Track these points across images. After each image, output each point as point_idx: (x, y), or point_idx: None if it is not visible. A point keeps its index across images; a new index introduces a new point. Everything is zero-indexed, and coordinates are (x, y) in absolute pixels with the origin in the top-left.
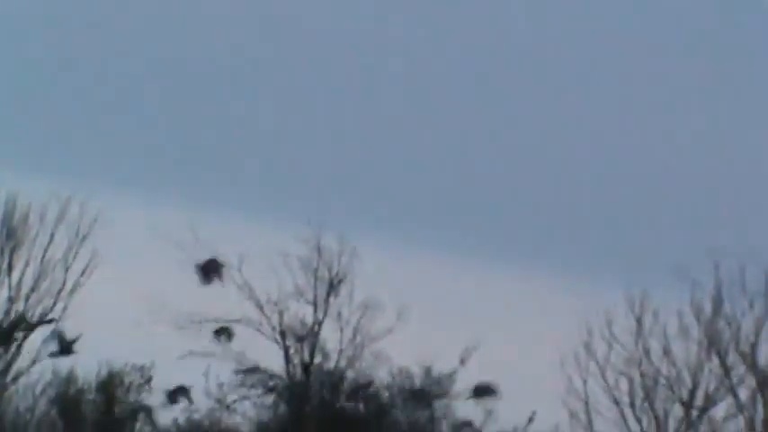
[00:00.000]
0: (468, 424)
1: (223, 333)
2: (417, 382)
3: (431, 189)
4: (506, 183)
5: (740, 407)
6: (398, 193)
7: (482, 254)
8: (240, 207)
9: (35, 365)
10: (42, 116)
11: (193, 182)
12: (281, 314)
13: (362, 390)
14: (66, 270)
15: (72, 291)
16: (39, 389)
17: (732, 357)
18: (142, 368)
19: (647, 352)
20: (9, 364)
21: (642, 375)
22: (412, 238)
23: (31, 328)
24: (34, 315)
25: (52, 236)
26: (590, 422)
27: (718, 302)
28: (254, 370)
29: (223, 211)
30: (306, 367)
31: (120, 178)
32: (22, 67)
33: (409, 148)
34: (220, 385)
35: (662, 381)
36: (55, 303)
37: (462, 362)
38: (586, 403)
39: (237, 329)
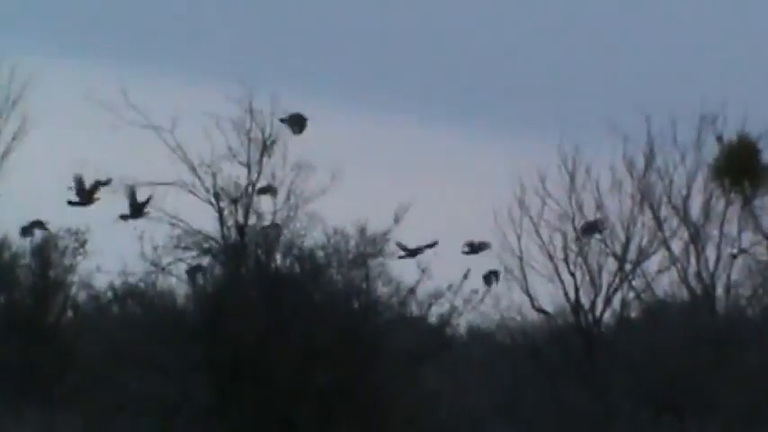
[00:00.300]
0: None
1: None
2: (352, 243)
3: (363, 48)
4: (440, 40)
5: (673, 259)
6: (331, 53)
7: (416, 112)
8: (172, 69)
9: None
10: None
11: (125, 44)
12: (214, 176)
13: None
14: None
15: (3, 155)
16: None
17: (664, 210)
18: (77, 232)
19: (580, 207)
20: None
21: (576, 230)
22: (345, 97)
23: None
24: None
25: None
26: (524, 277)
27: (650, 156)
28: (188, 232)
29: (155, 74)
30: (240, 229)
31: (52, 41)
32: None
33: (340, 6)
34: (155, 248)
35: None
36: None
37: (397, 221)
38: (521, 259)
39: (170, 192)
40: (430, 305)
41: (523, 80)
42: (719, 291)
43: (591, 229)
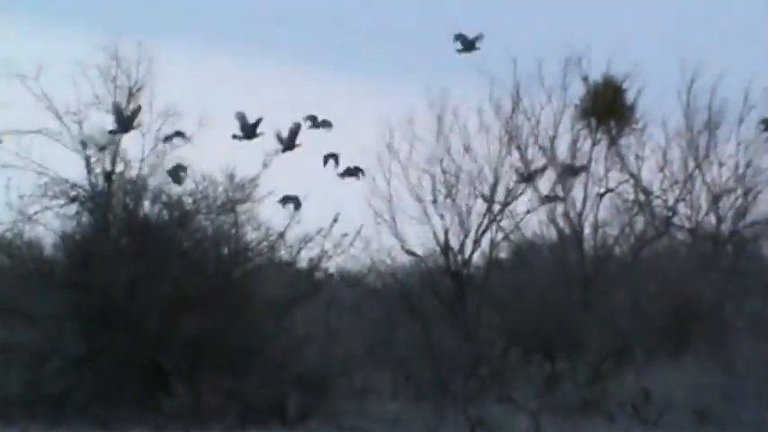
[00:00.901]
0: None
1: None
2: (221, 189)
3: None
4: None
5: (541, 200)
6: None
7: (283, 58)
8: (36, 17)
9: None
10: None
11: None
12: (80, 124)
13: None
14: None
15: None
16: None
17: (532, 152)
18: None
19: (448, 149)
20: None
21: (444, 173)
22: (212, 43)
23: None
24: None
25: None
26: (393, 220)
27: (516, 98)
28: (56, 180)
29: (20, 22)
30: (108, 176)
31: None
32: None
33: None
34: (21, 197)
35: (463, 177)
36: None
37: (265, 165)
38: (390, 202)
39: (37, 140)
40: (300, 249)
41: (391, 23)
42: (587, 230)
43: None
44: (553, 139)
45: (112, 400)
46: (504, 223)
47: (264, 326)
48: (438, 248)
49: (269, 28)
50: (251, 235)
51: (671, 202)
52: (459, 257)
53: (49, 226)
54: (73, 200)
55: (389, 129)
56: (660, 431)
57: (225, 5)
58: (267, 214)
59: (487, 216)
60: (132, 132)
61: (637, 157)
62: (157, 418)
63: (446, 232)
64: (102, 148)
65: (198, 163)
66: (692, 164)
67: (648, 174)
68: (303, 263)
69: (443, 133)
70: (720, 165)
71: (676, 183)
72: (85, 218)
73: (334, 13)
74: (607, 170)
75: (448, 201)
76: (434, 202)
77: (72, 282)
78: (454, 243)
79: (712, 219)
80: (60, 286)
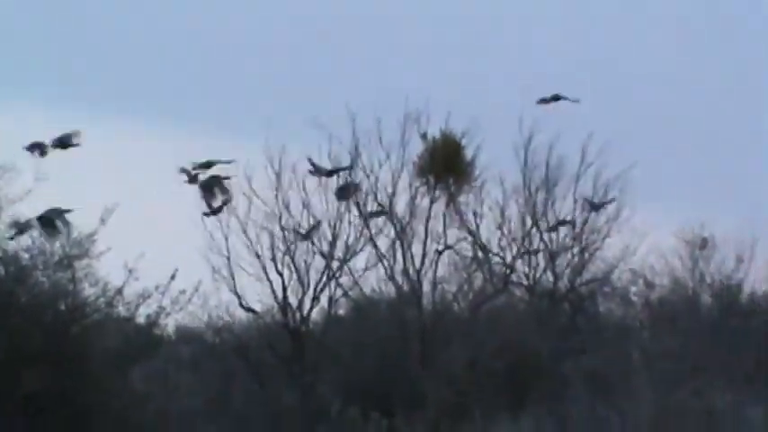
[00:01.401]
0: None
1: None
2: (58, 244)
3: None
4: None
5: (380, 256)
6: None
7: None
8: None
9: None
10: None
11: None
12: None
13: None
14: None
15: None
16: None
17: (371, 208)
18: None
19: (287, 206)
20: None
21: (283, 229)
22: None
23: None
24: None
25: None
26: (232, 276)
27: (355, 155)
28: None
29: None
30: None
31: None
32: None
33: None
34: None
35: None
36: None
37: (103, 221)
38: (228, 258)
39: None
40: (138, 306)
41: (226, 77)
42: (426, 287)
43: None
44: (392, 195)
45: None
46: (343, 280)
47: (104, 382)
48: (276, 305)
49: (100, 85)
50: (89, 291)
51: (509, 259)
52: (298, 314)
53: None
54: None
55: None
56: None
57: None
58: (105, 270)
59: (326, 272)
60: None
61: (475, 214)
62: None
63: (284, 289)
64: None
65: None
66: (529, 221)
67: (487, 231)
68: (141, 319)
69: (282, 189)
70: (561, 223)
71: (514, 240)
72: None
73: (163, 66)
74: (445, 227)
75: (287, 258)
76: (273, 259)
77: None
78: (293, 300)
79: (550, 276)
80: None
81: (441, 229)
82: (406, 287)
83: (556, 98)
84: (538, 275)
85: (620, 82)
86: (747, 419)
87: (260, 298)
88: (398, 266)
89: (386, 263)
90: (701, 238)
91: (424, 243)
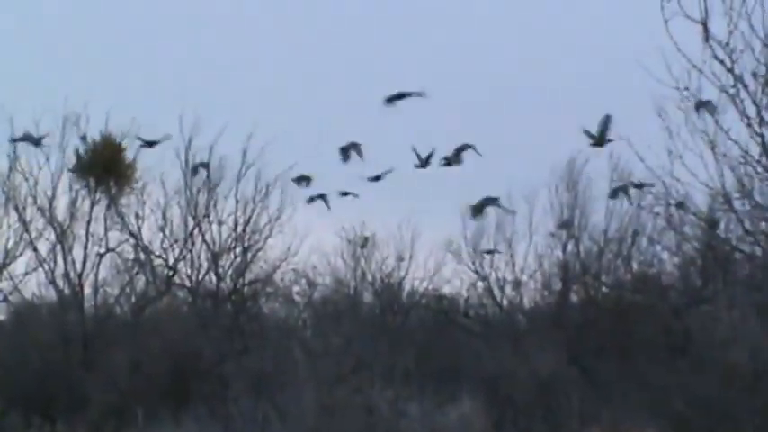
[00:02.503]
0: None
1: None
2: None
3: None
4: None
5: (40, 260)
6: None
7: None
8: None
9: None
10: None
11: None
12: None
13: None
14: None
15: None
16: None
17: (30, 212)
18: None
19: None
20: None
21: None
22: None
23: None
24: None
25: None
26: None
27: (14, 157)
28: None
29: None
30: None
31: None
32: None
33: None
34: None
35: None
36: None
37: None
38: None
39: None
40: None
41: None
42: (87, 290)
43: None
44: (51, 199)
45: None
46: (3, 285)
47: None
48: None
49: None
50: None
51: (171, 261)
52: None
53: None
54: None
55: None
56: None
57: None
58: None
59: None
60: None
61: (137, 216)
62: None
63: None
64: None
65: None
66: (191, 222)
67: (149, 233)
68: None
69: None
70: (220, 223)
71: (176, 242)
72: None
73: None
74: (107, 230)
75: None
76: None
77: None
78: None
79: (213, 277)
80: None
81: (102, 231)
82: (67, 291)
83: (401, 96)
84: (201, 277)
85: (278, 82)
86: (406, 415)
87: None
88: (59, 270)
89: (46, 267)
90: (363, 238)
91: (86, 246)
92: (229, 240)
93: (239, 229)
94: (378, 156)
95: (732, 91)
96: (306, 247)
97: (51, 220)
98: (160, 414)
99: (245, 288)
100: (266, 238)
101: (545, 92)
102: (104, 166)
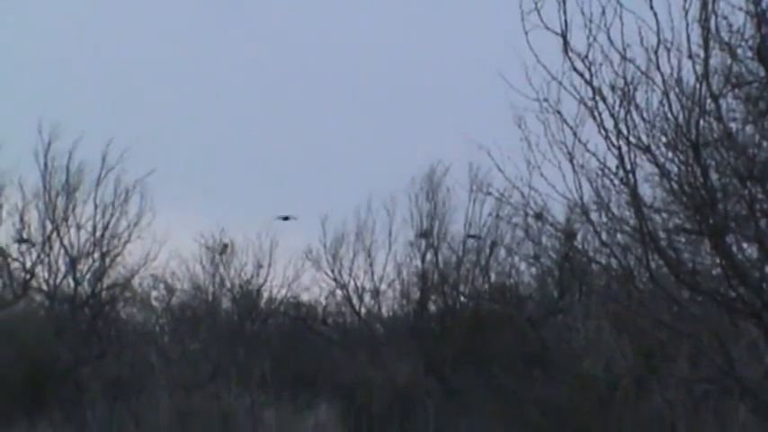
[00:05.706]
0: None
1: None
2: None
3: None
4: None
5: None
6: None
7: None
8: None
9: None
10: None
11: None
12: None
13: None
14: None
15: None
16: None
17: None
18: None
19: None
20: None
21: None
22: None
23: None
24: None
25: None
26: None
27: None
28: None
29: None
30: None
31: None
32: None
33: None
34: None
35: None
36: None
37: None
38: None
39: None
40: None
41: None
42: None
43: None
44: None
45: None
46: None
47: None
48: None
49: None
50: None
51: (29, 264)
52: None
53: None
54: None
55: None
56: None
57: None
58: None
59: None
60: None
61: None
62: None
63: None
64: None
65: None
66: (50, 226)
67: (6, 236)
68: None
69: None
70: (79, 227)
71: (34, 245)
72: None
73: None
74: None
75: None
76: None
77: None
78: None
79: (71, 282)
80: None
81: None
82: None
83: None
84: (58, 281)
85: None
86: (261, 420)
87: None
88: None
89: None
90: (222, 244)
91: None
92: (88, 245)
93: (98, 233)
94: None
95: (591, 103)
96: (165, 253)
97: None
98: (15, 420)
99: (104, 293)
100: (125, 243)
101: (407, 102)
102: None
